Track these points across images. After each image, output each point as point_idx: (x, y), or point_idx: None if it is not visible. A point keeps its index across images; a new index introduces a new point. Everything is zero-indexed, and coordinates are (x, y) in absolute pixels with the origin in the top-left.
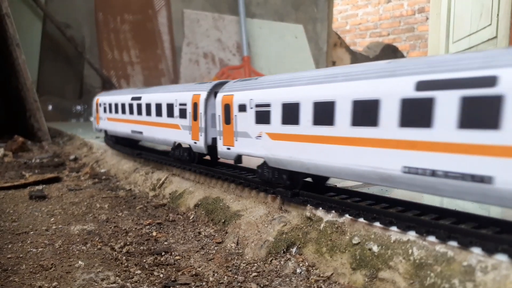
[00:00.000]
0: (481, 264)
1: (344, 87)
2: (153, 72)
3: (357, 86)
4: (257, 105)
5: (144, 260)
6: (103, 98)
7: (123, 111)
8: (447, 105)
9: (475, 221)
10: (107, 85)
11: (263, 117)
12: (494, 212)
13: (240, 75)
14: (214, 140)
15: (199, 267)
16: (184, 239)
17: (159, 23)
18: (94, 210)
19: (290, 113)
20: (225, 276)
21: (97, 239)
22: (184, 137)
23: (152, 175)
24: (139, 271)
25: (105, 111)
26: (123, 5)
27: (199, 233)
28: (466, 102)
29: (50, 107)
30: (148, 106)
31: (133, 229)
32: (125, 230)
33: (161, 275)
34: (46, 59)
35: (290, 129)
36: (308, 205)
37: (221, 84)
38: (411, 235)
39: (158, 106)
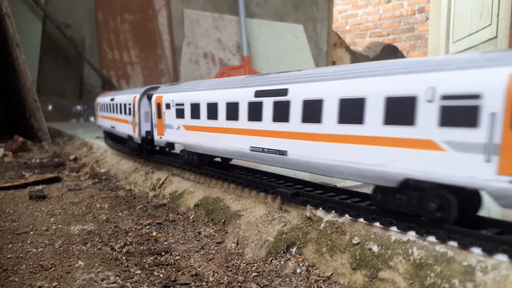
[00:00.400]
0: (481, 264)
1: (222, 93)
2: (153, 72)
3: (228, 93)
4: (177, 104)
5: (144, 260)
6: (100, 99)
7: (107, 110)
8: (268, 106)
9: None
10: (107, 85)
11: (180, 113)
12: (494, 213)
13: (240, 75)
14: (148, 132)
15: (199, 267)
16: (184, 239)
17: (159, 23)
18: (94, 210)
19: (195, 111)
20: (225, 276)
21: (97, 239)
22: (130, 130)
23: (152, 175)
24: (139, 271)
25: (99, 110)
26: (123, 5)
27: (199, 233)
28: (275, 105)
29: (50, 107)
30: (117, 105)
31: (133, 229)
32: (125, 230)
33: (161, 275)
34: (46, 59)
35: (195, 122)
36: (308, 205)
37: (155, 88)
38: (411, 235)
39: (120, 106)
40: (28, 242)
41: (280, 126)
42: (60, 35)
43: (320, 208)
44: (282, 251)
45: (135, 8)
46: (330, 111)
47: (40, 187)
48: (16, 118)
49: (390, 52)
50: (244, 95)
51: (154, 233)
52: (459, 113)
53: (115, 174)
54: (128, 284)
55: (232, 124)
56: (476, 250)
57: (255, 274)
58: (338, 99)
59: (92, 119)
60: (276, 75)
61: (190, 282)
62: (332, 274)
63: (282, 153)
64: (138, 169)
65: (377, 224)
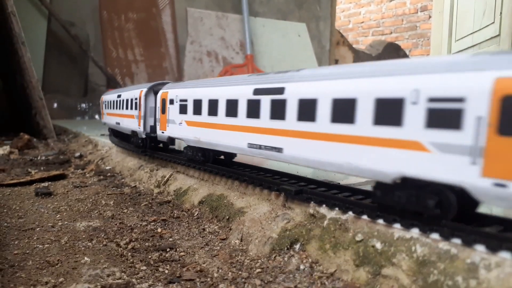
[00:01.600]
0: (485, 261)
1: (114, 96)
2: (157, 70)
3: (111, 96)
4: (105, 102)
5: (149, 256)
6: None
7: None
8: (118, 102)
9: (479, 219)
10: (112, 83)
11: (105, 106)
12: (497, 210)
13: (243, 73)
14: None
15: (204, 263)
16: (189, 236)
17: (163, 21)
18: (100, 207)
19: (112, 105)
20: (230, 272)
21: (102, 235)
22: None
23: (157, 172)
24: (144, 267)
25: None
26: (127, 3)
27: (204, 229)
28: (122, 101)
29: (55, 105)
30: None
31: (138, 225)
32: (130, 226)
33: (166, 271)
34: (51, 57)
35: (111, 111)
36: (312, 202)
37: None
38: (415, 232)
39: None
40: (35, 238)
41: (117, 112)
42: (64, 33)
43: (324, 205)
44: (285, 248)
45: (139, 6)
46: (126, 105)
47: (45, 184)
48: (22, 115)
49: (392, 50)
50: (112, 97)
51: (159, 230)
52: (182, 107)
53: (120, 171)
54: (133, 280)
55: (113, 111)
56: (480, 248)
57: (259, 270)
58: (125, 100)
59: (97, 116)
60: (121, 89)
61: (195, 278)
62: (335, 271)
63: (119, 123)
64: (143, 166)
65: (381, 221)
